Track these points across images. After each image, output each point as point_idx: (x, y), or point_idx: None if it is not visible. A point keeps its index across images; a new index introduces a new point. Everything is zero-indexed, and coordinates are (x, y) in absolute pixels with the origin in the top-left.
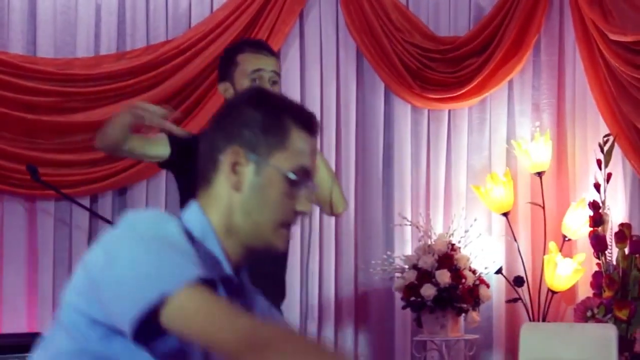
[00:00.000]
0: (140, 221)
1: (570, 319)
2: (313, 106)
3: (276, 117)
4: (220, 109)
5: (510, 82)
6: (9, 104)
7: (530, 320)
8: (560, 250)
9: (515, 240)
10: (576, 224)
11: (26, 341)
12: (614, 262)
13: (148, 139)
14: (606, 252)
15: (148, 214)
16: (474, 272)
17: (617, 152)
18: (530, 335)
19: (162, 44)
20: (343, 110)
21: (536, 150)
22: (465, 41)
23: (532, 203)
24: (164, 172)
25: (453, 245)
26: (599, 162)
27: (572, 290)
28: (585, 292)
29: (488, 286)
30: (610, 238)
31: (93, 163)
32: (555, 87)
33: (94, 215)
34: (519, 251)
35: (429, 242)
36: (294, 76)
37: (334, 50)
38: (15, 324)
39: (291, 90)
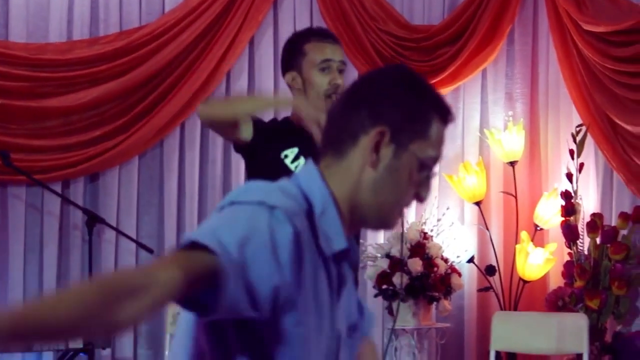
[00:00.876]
0: (254, 214)
1: (541, 309)
2: (287, 93)
3: (424, 106)
4: (364, 84)
5: (484, 71)
6: None
7: (501, 309)
8: (532, 240)
9: (488, 229)
10: (548, 213)
11: None
12: (586, 252)
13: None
14: (577, 241)
15: (264, 192)
16: (446, 260)
17: (589, 143)
18: (502, 324)
19: (136, 29)
20: None
21: (509, 139)
22: (439, 30)
23: (505, 192)
24: (136, 159)
25: (425, 233)
26: (571, 152)
27: (544, 280)
28: (556, 281)
29: (460, 275)
30: (581, 228)
31: (65, 149)
32: (528, 77)
33: (65, 201)
34: (491, 240)
35: (402, 230)
36: (267, 64)
37: None
38: None
39: (264, 78)
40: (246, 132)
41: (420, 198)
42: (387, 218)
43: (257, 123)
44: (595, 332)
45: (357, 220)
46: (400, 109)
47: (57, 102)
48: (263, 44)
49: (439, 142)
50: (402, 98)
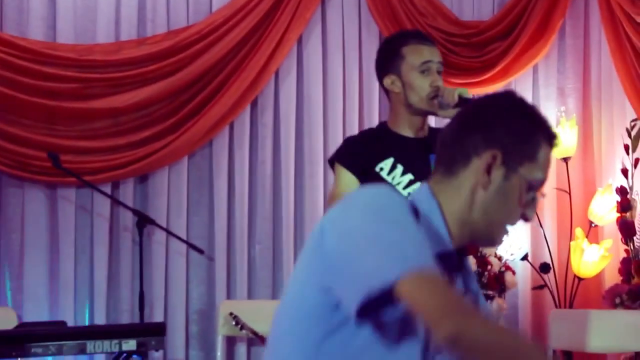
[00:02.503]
0: (368, 195)
1: (597, 306)
2: (335, 92)
3: (534, 131)
4: (477, 108)
5: (535, 67)
6: (29, 91)
7: (556, 307)
8: (587, 237)
9: (541, 226)
10: (603, 209)
11: (48, 330)
12: None
13: (342, 190)
14: (634, 238)
15: (376, 189)
16: (499, 258)
17: None
18: (559, 323)
19: (183, 29)
20: (366, 96)
21: (562, 135)
22: (490, 25)
23: (558, 189)
24: (185, 159)
25: None
26: (626, 147)
27: (599, 277)
28: (612, 278)
29: (514, 273)
30: (638, 224)
31: (114, 150)
32: (580, 71)
33: (115, 202)
34: (545, 237)
35: None
36: (315, 62)
37: (356, 36)
38: (37, 313)
39: (313, 76)
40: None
41: (527, 218)
42: (495, 236)
43: (344, 159)
44: None
45: (465, 236)
46: (512, 133)
47: (105, 103)
48: (311, 42)
49: (546, 165)
50: (514, 122)
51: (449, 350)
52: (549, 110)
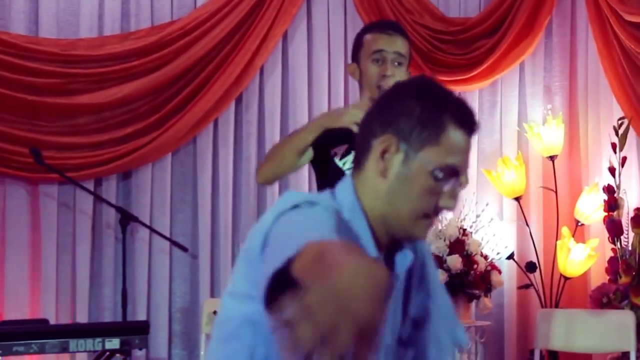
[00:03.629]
0: (291, 202)
1: (583, 306)
2: (320, 89)
3: (435, 111)
4: (382, 94)
5: (522, 64)
6: (11, 85)
7: (542, 306)
8: (573, 236)
9: (527, 225)
10: (589, 208)
11: (29, 328)
12: (630, 248)
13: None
14: (622, 237)
15: (301, 196)
16: (485, 257)
17: (631, 135)
18: (546, 322)
19: (168, 24)
20: (351, 91)
21: (548, 133)
22: (476, 22)
23: (545, 187)
24: (169, 156)
25: (464, 230)
26: (613, 145)
27: (585, 277)
28: (598, 278)
29: (500, 272)
30: (625, 223)
31: (97, 146)
32: (567, 69)
33: (98, 199)
34: (531, 236)
35: (440, 227)
36: (301, 58)
37: (342, 32)
38: (18, 311)
39: (298, 72)
40: (308, 156)
41: (445, 208)
42: (410, 229)
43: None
44: None
45: (387, 235)
46: (408, 115)
47: (88, 99)
48: (297, 38)
49: (457, 149)
50: (412, 104)
51: None
52: (536, 108)
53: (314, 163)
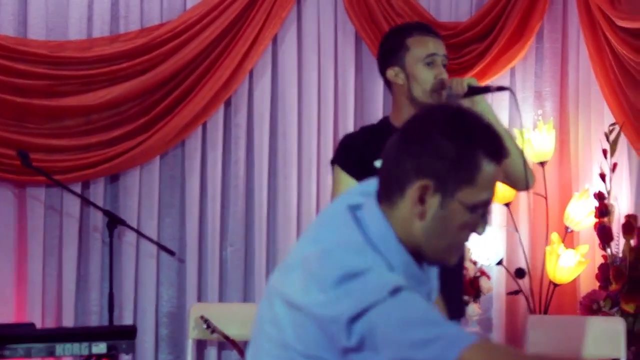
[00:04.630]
0: (371, 290)
1: (572, 312)
2: (310, 93)
3: (469, 152)
4: (410, 129)
5: (512, 70)
6: None
7: (531, 313)
8: (563, 242)
9: (517, 231)
10: (579, 215)
11: (16, 332)
12: (620, 254)
13: (341, 188)
14: (612, 243)
15: (369, 275)
16: (474, 263)
17: (622, 142)
18: (537, 329)
19: (157, 26)
20: (341, 96)
21: (539, 139)
22: (467, 27)
23: (535, 193)
24: (157, 159)
25: None
26: (604, 151)
27: (574, 283)
28: (587, 284)
29: (489, 278)
30: (616, 229)
31: (85, 149)
32: (558, 75)
33: (85, 202)
34: (521, 242)
35: None
36: (290, 62)
37: (332, 35)
38: (4, 315)
39: (288, 76)
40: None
41: (478, 234)
42: (444, 258)
43: (342, 160)
44: (631, 337)
45: (420, 257)
46: (443, 159)
47: (76, 101)
48: (286, 41)
49: (490, 184)
50: (445, 146)
51: None
52: (526, 114)
53: (354, 175)
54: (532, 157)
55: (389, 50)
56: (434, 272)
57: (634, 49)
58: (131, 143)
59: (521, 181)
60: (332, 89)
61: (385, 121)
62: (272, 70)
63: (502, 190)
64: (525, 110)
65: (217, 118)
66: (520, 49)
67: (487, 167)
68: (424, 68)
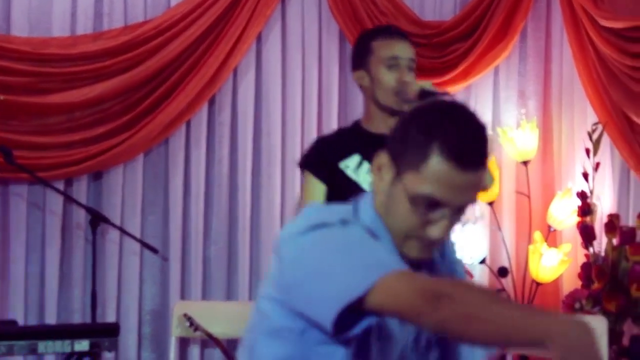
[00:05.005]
0: (322, 218)
1: (554, 311)
2: (294, 91)
3: (422, 137)
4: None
5: (496, 69)
6: None
7: None
8: (546, 241)
9: (500, 229)
10: (562, 213)
11: None
12: (603, 253)
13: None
14: (594, 242)
15: (329, 210)
16: None
17: (605, 141)
18: None
19: (141, 24)
20: (325, 95)
21: (522, 138)
22: (451, 26)
23: (518, 192)
24: (141, 157)
25: None
26: (587, 150)
27: (557, 282)
28: (570, 283)
29: (472, 276)
30: (598, 228)
31: (68, 146)
32: (541, 74)
33: (68, 199)
34: (504, 241)
35: None
36: (274, 60)
37: (317, 34)
38: None
39: (272, 74)
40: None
41: (427, 237)
42: (401, 247)
43: (313, 166)
44: (613, 336)
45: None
46: (401, 138)
47: (60, 98)
48: (271, 39)
49: (439, 181)
50: (410, 128)
51: (445, 334)
52: (510, 113)
53: (324, 178)
54: (515, 155)
55: (356, 53)
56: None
57: (617, 49)
58: (114, 141)
59: None
60: (316, 87)
61: (356, 124)
62: (256, 68)
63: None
64: (508, 109)
65: (201, 116)
66: (504, 48)
67: (437, 161)
68: (387, 71)
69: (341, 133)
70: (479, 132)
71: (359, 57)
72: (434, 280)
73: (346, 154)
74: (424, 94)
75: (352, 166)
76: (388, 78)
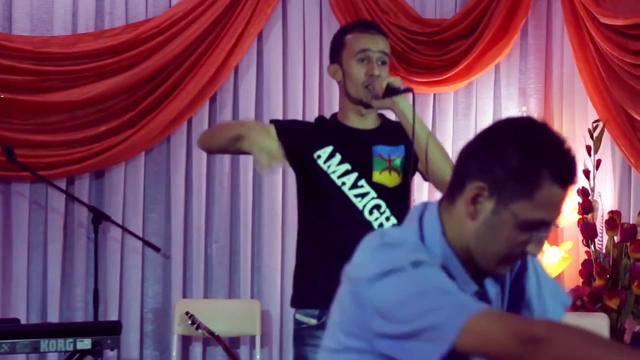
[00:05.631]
0: (394, 262)
1: None
2: (295, 89)
3: (534, 166)
4: (484, 134)
5: (497, 67)
6: None
7: None
8: (547, 238)
9: None
10: (563, 211)
11: (0, 328)
12: (604, 251)
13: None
14: (595, 240)
15: (398, 246)
16: None
17: (606, 138)
18: None
19: (142, 22)
20: (326, 92)
21: None
22: (452, 24)
23: None
24: (142, 155)
25: None
26: (588, 148)
27: (559, 279)
28: (571, 280)
29: None
30: (599, 226)
31: (70, 144)
32: (542, 72)
33: (70, 198)
34: None
35: None
36: (276, 58)
37: (317, 32)
38: None
39: (273, 72)
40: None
41: (527, 254)
42: (493, 267)
43: (282, 127)
44: (614, 332)
45: (473, 263)
46: (505, 166)
47: (61, 97)
48: (272, 37)
49: (549, 205)
50: (513, 156)
51: None
52: (510, 111)
53: (292, 163)
54: None
55: (331, 48)
56: (494, 290)
57: (618, 46)
58: (116, 139)
59: (446, 183)
60: (317, 85)
61: (332, 117)
62: (257, 66)
63: None
64: (509, 107)
65: (203, 114)
66: (504, 46)
67: (550, 188)
68: (356, 64)
69: (319, 122)
70: (569, 147)
71: (334, 51)
72: (528, 322)
73: (321, 145)
74: (390, 89)
75: (324, 157)
76: (357, 71)
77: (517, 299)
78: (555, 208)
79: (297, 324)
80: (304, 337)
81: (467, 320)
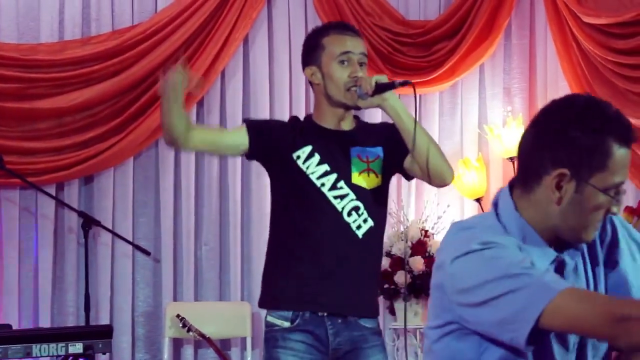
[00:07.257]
0: (480, 242)
1: None
2: (281, 92)
3: (601, 140)
4: (544, 121)
5: (481, 67)
6: None
7: None
8: None
9: None
10: None
11: None
12: None
13: (223, 129)
14: None
15: (483, 234)
16: None
17: None
18: None
19: (128, 29)
20: (312, 95)
21: (508, 135)
22: (436, 25)
23: None
24: (131, 160)
25: (426, 231)
26: None
27: None
28: None
29: None
30: None
31: (58, 151)
32: (526, 71)
33: (60, 203)
34: None
35: (402, 229)
36: (262, 62)
37: (303, 35)
38: None
39: (259, 76)
40: (239, 137)
41: (612, 214)
42: (582, 237)
43: (254, 127)
44: None
45: (554, 237)
46: (577, 149)
47: (49, 104)
48: (257, 41)
49: (623, 167)
50: (578, 137)
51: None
52: (496, 110)
53: (268, 163)
54: (502, 152)
55: (307, 50)
56: (572, 262)
57: (601, 45)
58: (104, 145)
59: (438, 176)
60: (304, 88)
61: (308, 118)
62: (243, 70)
63: (473, 186)
64: (494, 107)
65: (190, 118)
66: (488, 46)
67: (618, 152)
68: (338, 66)
69: (295, 122)
70: (617, 109)
71: (310, 53)
72: (619, 301)
73: (299, 144)
74: (379, 86)
75: (303, 157)
76: (340, 73)
77: (609, 274)
78: (626, 168)
79: (269, 326)
80: (276, 340)
81: (551, 300)
